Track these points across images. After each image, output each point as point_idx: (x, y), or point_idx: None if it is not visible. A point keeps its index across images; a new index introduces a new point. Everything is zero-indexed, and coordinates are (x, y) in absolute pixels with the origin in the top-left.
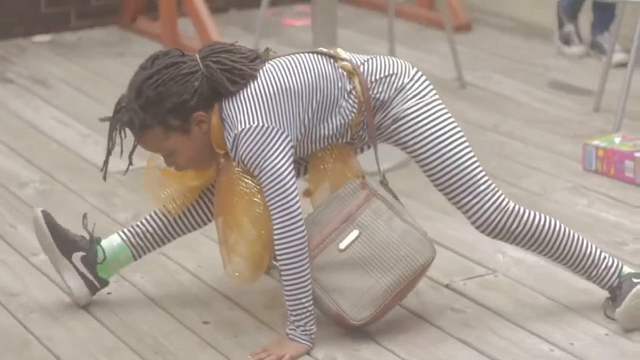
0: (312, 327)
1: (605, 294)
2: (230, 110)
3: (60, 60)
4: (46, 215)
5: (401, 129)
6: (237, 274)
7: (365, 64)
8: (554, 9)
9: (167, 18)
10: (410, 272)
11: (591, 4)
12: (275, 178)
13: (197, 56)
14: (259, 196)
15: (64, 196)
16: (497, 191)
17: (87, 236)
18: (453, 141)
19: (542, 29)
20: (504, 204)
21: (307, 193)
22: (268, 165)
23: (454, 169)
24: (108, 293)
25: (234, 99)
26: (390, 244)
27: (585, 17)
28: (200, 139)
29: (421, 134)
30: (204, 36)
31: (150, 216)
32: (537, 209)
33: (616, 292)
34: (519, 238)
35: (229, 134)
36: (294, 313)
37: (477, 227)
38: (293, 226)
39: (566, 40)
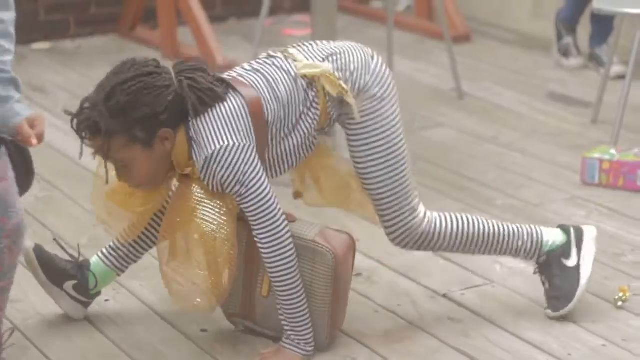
0: (308, 337)
1: None
2: (200, 130)
3: (59, 68)
4: (37, 251)
5: (351, 128)
6: (179, 301)
7: (327, 60)
8: (552, 20)
9: (166, 27)
10: (324, 283)
11: (589, 16)
12: (260, 194)
13: (172, 71)
14: (215, 226)
15: (63, 203)
16: (415, 210)
17: (73, 256)
18: (397, 157)
19: (541, 41)
20: (416, 225)
21: (297, 195)
22: (250, 181)
23: (388, 186)
24: (106, 300)
25: (203, 118)
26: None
27: (584, 29)
28: (160, 156)
29: (369, 144)
30: (203, 45)
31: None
32: (534, 220)
33: (545, 270)
34: (430, 248)
35: (200, 154)
36: (289, 327)
37: (391, 241)
38: (281, 241)
39: (565, 52)
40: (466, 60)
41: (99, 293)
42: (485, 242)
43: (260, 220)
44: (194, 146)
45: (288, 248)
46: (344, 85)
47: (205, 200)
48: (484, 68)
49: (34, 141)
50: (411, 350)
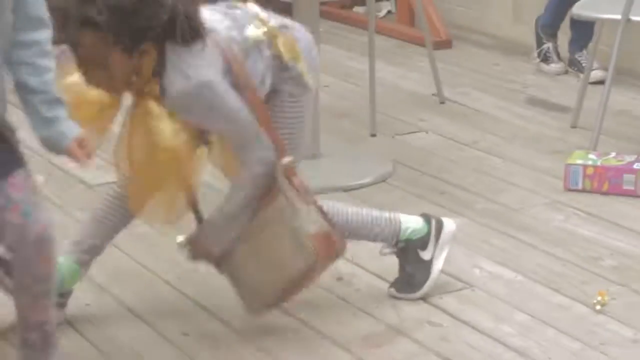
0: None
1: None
2: (182, 58)
3: None
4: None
5: (281, 103)
6: (150, 215)
7: (280, 29)
8: (533, 26)
9: None
10: (291, 274)
11: (569, 21)
12: (241, 123)
13: None
14: (174, 133)
15: (50, 210)
16: None
17: None
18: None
19: (521, 46)
20: None
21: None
22: (233, 114)
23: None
24: (87, 304)
25: (183, 50)
26: (276, 247)
27: (564, 34)
28: (133, 66)
29: (287, 120)
30: None
31: (88, 226)
32: (514, 224)
33: (401, 255)
34: None
35: (174, 81)
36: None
37: None
38: (266, 157)
39: (545, 58)
40: (447, 65)
41: (70, 292)
42: (345, 229)
43: (249, 145)
44: (169, 70)
45: (267, 167)
46: (300, 52)
47: (164, 116)
48: (464, 73)
49: (86, 161)
50: (390, 354)
